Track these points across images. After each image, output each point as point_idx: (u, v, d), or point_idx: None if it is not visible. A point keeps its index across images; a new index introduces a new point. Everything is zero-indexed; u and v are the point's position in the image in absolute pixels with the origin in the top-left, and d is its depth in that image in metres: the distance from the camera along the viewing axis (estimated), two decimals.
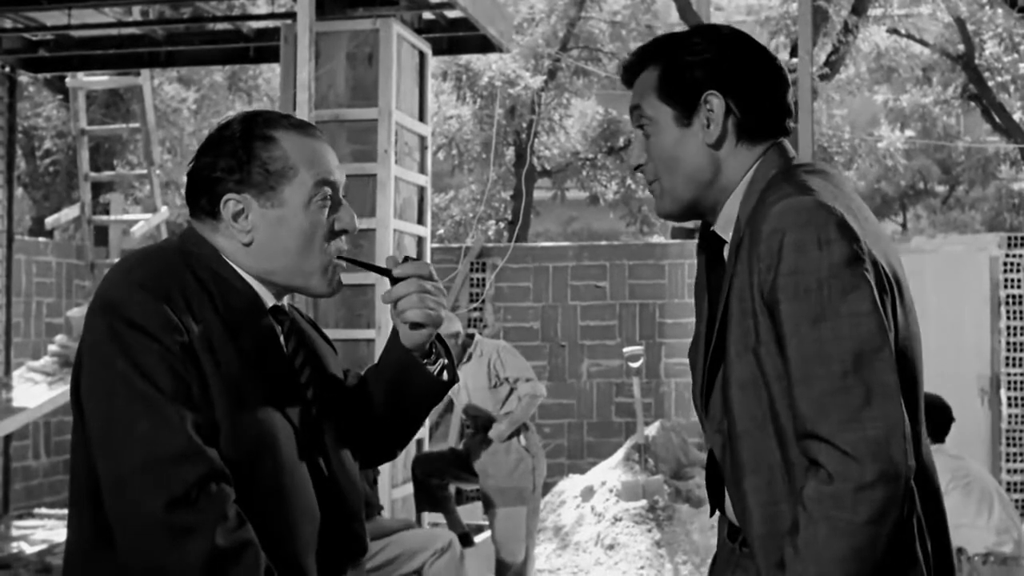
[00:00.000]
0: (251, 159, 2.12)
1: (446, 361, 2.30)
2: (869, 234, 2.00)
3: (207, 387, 2.01)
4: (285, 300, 2.26)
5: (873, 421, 1.88)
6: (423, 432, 7.52)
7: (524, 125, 14.99)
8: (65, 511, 8.99)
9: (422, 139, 7.82)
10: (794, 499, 1.96)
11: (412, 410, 2.35)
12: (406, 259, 2.20)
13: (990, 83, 17.17)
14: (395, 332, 2.25)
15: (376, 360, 2.37)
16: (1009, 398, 10.01)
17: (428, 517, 7.40)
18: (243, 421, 2.03)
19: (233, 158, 2.13)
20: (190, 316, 2.02)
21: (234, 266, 2.15)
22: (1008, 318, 10.04)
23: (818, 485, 1.88)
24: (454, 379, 2.31)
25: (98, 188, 10.86)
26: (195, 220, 2.19)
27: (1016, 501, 9.74)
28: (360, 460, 2.36)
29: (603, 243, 12.31)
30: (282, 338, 2.20)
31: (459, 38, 8.28)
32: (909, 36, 17.19)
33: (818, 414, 1.90)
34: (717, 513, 2.24)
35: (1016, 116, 17.29)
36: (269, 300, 2.19)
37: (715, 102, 2.10)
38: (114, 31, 8.68)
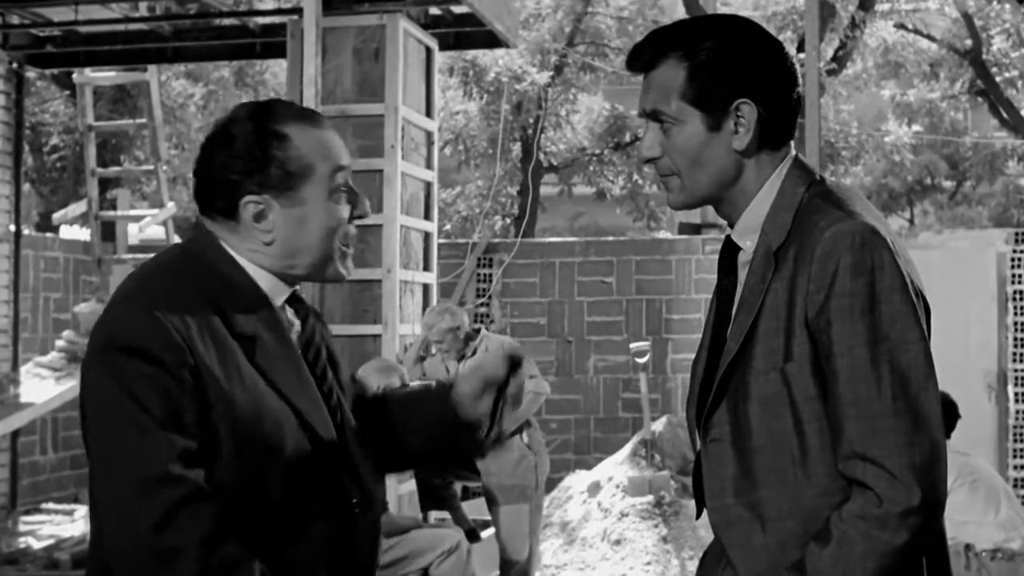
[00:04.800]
0: (269, 160, 2.10)
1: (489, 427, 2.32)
2: (901, 255, 2.03)
3: (208, 403, 2.00)
4: (298, 287, 2.25)
5: (921, 447, 1.93)
6: None
7: (531, 121, 14.98)
8: (72, 506, 9.03)
9: (429, 134, 7.83)
10: (803, 515, 2.01)
11: (437, 463, 2.40)
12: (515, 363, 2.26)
13: (998, 78, 17.15)
14: (446, 394, 2.29)
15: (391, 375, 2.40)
16: (1016, 394, 9.99)
17: (434, 512, 7.40)
18: (250, 432, 2.03)
19: (250, 160, 2.10)
20: (193, 331, 2.01)
21: (244, 265, 2.15)
22: (1015, 314, 10.02)
23: (864, 504, 1.93)
24: (481, 454, 2.35)
25: (105, 184, 10.87)
26: (208, 220, 2.17)
27: (1023, 498, 9.72)
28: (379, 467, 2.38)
29: (610, 239, 12.30)
30: (296, 330, 2.20)
31: (466, 33, 8.28)
32: (916, 31, 17.17)
33: (869, 436, 1.94)
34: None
35: None
36: (282, 293, 2.19)
37: (747, 110, 2.07)
38: (121, 27, 8.68)
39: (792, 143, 2.18)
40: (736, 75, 2.07)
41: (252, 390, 2.04)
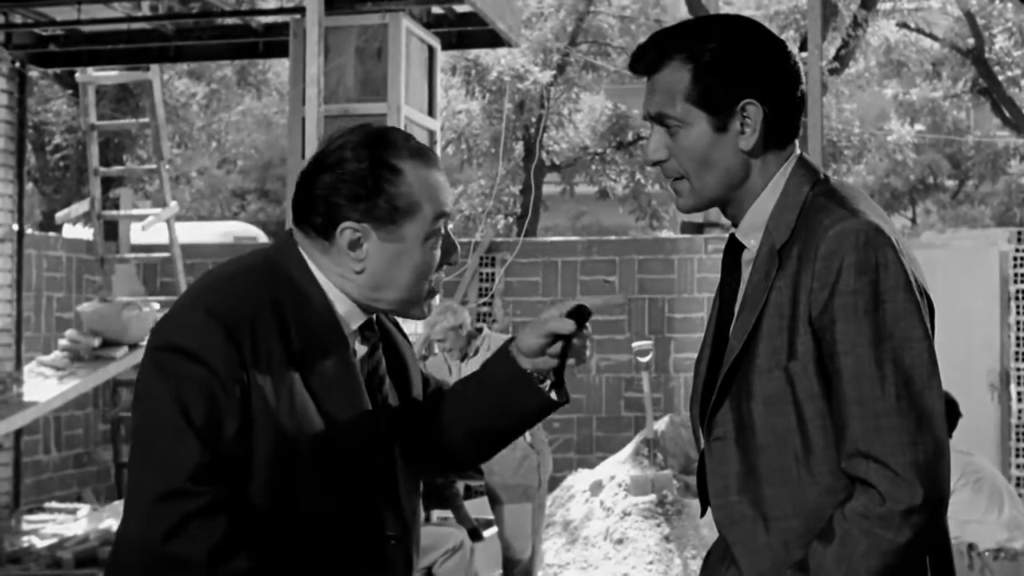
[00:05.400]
0: (378, 192, 2.07)
1: (554, 379, 2.24)
2: (905, 253, 2.02)
3: (251, 420, 2.00)
4: (373, 315, 2.22)
5: (924, 446, 1.93)
6: None
7: (533, 120, 14.98)
8: (75, 505, 9.03)
9: (431, 134, 7.83)
10: (806, 514, 2.00)
11: (514, 429, 2.32)
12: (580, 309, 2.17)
13: (1000, 77, 17.15)
14: (504, 352, 2.21)
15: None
16: (1019, 393, 9.98)
17: (436, 512, 7.40)
18: (289, 455, 2.02)
19: (360, 186, 2.07)
20: (253, 346, 2.00)
21: (324, 286, 2.12)
22: (1018, 313, 10.01)
23: (868, 503, 1.93)
24: (565, 399, 2.25)
25: (108, 183, 10.86)
26: (301, 234, 2.15)
27: None
28: (427, 472, 2.36)
29: (612, 238, 12.31)
30: (358, 359, 2.16)
31: (468, 32, 8.28)
32: (919, 30, 17.17)
33: (872, 434, 1.94)
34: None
35: None
36: (357, 319, 2.16)
37: (753, 111, 2.07)
38: (123, 26, 8.69)
39: (796, 142, 2.18)
40: (741, 75, 2.07)
41: (300, 413, 2.03)
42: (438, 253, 2.15)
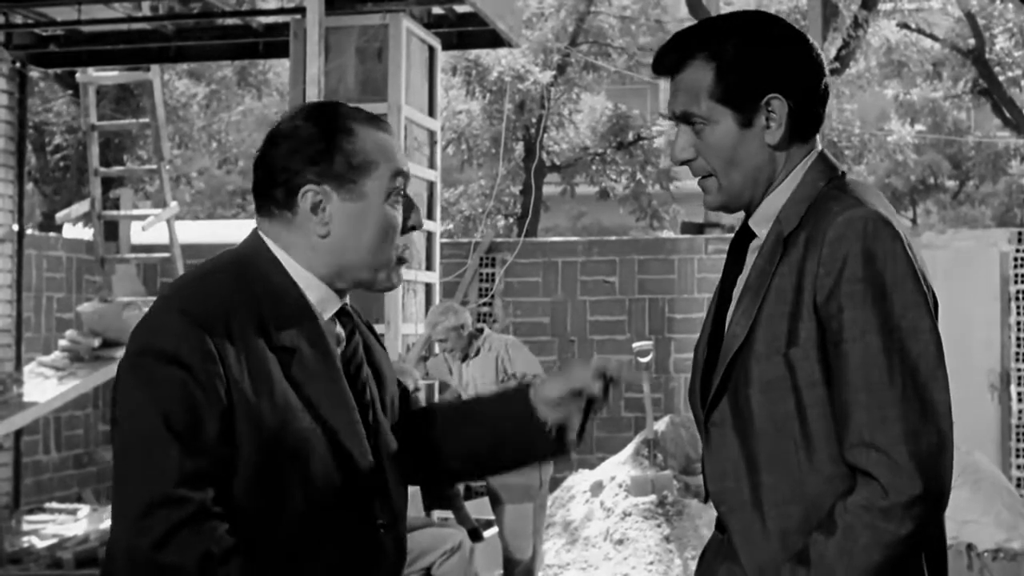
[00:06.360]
0: (334, 151, 2.09)
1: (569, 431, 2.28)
2: (912, 247, 2.03)
3: (233, 416, 1.99)
4: (347, 298, 2.22)
5: (928, 437, 1.93)
6: None
7: (533, 120, 14.98)
8: (75, 506, 9.03)
9: (431, 134, 7.84)
10: (805, 502, 2.00)
11: (513, 464, 2.37)
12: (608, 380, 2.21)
13: (1000, 78, 17.16)
14: (523, 396, 2.25)
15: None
16: (1019, 394, 9.99)
17: (437, 512, 7.40)
18: (274, 448, 2.02)
19: (315, 147, 2.09)
20: (228, 342, 2.00)
21: (295, 275, 2.12)
22: (1018, 313, 10.02)
23: (870, 495, 1.92)
24: (567, 450, 2.29)
25: (108, 183, 10.85)
26: (263, 216, 2.15)
27: None
28: (414, 479, 2.37)
29: (612, 238, 12.30)
30: (338, 349, 2.16)
31: (468, 33, 8.29)
32: (919, 30, 17.17)
33: (878, 424, 1.93)
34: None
35: None
36: (331, 306, 2.16)
37: (777, 105, 2.08)
38: (124, 26, 8.70)
39: (819, 136, 2.19)
40: (764, 70, 2.08)
41: (282, 405, 2.02)
42: (400, 214, 2.16)
